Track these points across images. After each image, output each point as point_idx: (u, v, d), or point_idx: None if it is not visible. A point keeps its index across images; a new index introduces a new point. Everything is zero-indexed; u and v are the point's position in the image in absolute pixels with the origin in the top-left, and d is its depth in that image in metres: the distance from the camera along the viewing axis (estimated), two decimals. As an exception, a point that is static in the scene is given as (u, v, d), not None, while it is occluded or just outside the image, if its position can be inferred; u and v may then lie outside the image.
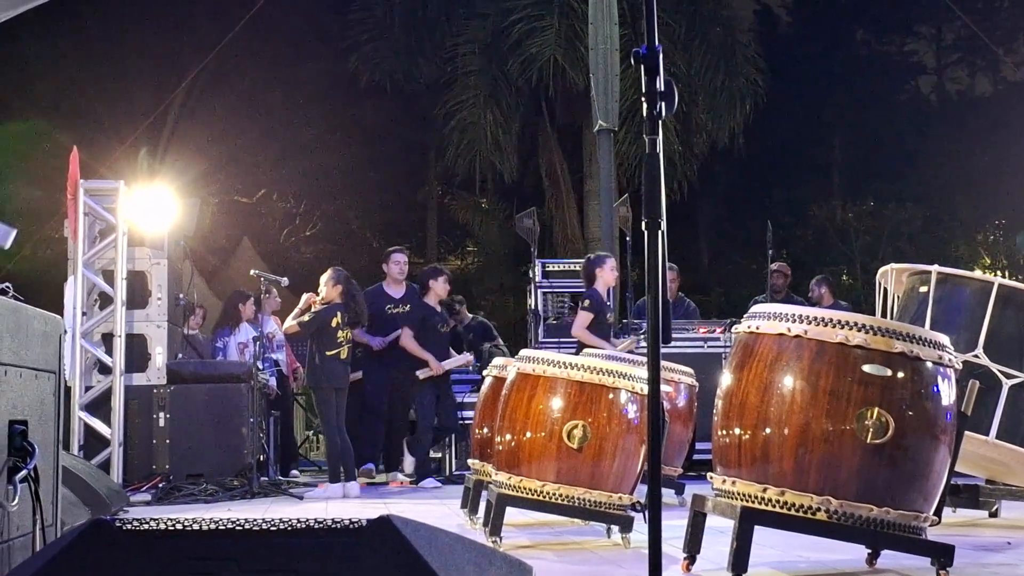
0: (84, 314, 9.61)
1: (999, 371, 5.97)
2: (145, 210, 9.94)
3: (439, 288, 10.55)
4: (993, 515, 6.83)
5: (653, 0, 3.18)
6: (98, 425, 9.49)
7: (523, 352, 6.04)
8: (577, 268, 11.33)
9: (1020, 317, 6.12)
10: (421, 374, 10.23)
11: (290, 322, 9.93)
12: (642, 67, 3.05)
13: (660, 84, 3.06)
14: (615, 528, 5.84)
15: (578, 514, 5.80)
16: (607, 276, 9.54)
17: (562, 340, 10.92)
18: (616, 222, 14.10)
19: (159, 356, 9.93)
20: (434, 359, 10.28)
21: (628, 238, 12.18)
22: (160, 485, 9.42)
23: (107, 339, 9.68)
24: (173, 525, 2.41)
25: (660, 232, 3.07)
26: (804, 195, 25.83)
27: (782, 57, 24.36)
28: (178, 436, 9.78)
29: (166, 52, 21.03)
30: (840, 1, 29.35)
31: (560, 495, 5.56)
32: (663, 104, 3.07)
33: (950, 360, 4.37)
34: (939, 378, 4.30)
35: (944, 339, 4.39)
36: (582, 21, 16.47)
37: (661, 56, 3.08)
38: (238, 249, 19.77)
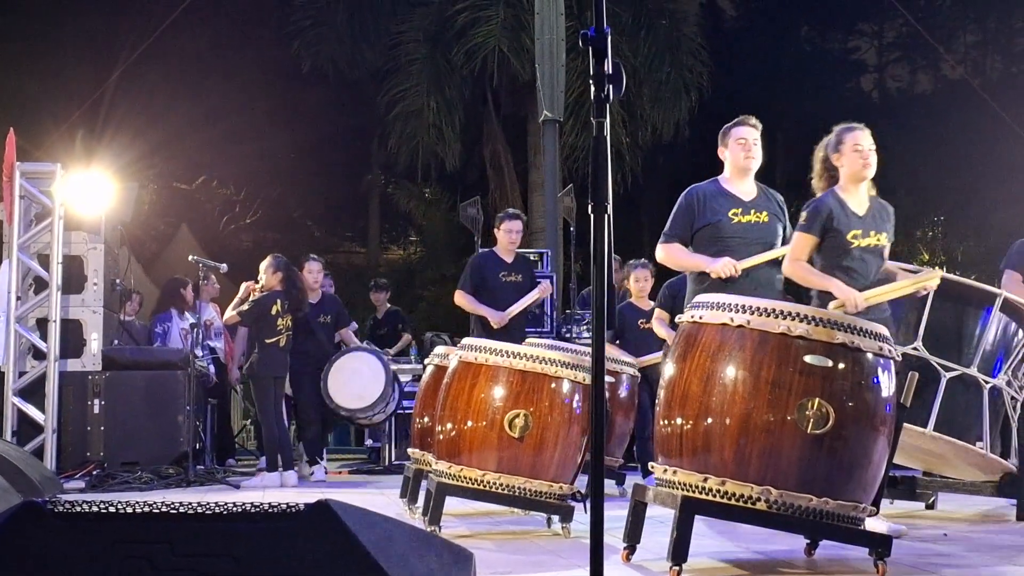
0: (18, 298, 9.46)
1: (938, 364, 6.03)
2: (82, 194, 9.81)
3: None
4: (930, 507, 6.91)
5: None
6: (31, 411, 9.36)
7: (465, 340, 6.01)
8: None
9: (959, 311, 6.20)
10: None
11: (230, 313, 9.89)
12: (590, 49, 3.01)
13: (608, 67, 3.03)
14: (555, 518, 5.83)
15: (518, 504, 5.78)
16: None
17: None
18: (560, 212, 14.12)
19: (94, 342, 9.79)
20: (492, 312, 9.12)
21: (572, 228, 12.17)
22: (94, 472, 9.31)
23: (42, 324, 9.55)
24: (106, 508, 2.36)
25: (607, 217, 3.04)
26: (746, 189, 25.91)
27: (727, 51, 24.41)
28: (113, 423, 9.67)
29: (103, 33, 20.71)
30: (784, -3, 29.51)
31: (500, 484, 5.54)
32: (611, 87, 3.03)
33: (890, 352, 4.39)
34: (879, 370, 4.32)
35: (884, 331, 4.41)
36: (527, 12, 16.43)
37: (609, 39, 3.04)
38: (176, 235, 19.53)
